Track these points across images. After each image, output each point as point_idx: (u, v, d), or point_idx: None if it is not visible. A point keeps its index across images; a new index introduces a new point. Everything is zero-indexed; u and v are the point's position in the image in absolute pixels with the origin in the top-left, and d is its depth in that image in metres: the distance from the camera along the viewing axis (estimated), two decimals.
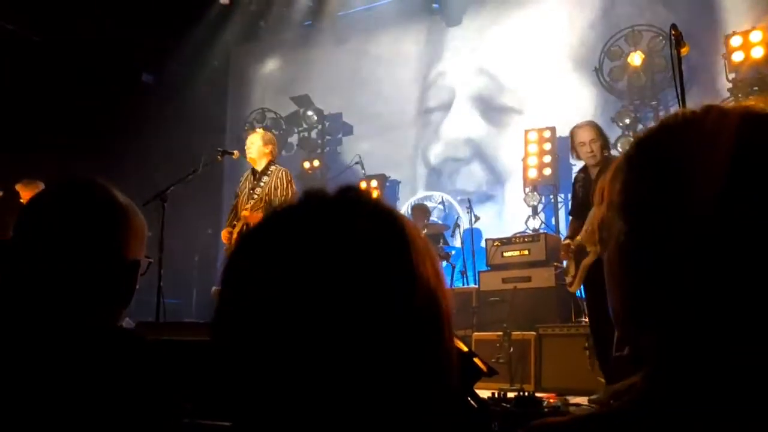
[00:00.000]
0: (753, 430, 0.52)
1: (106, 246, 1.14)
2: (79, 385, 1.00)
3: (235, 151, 5.48)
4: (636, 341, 0.63)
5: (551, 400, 3.54)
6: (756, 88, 6.30)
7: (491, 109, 8.27)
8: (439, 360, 0.58)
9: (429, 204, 8.29)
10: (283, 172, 4.97)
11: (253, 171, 5.01)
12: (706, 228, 0.54)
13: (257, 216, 4.64)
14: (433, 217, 8.05)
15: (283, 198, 4.80)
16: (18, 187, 5.87)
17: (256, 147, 4.94)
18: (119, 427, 1.01)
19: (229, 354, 0.57)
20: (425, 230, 6.71)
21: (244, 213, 4.73)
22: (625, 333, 0.65)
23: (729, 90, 6.47)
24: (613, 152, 6.91)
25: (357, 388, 0.54)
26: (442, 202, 8.38)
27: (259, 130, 5.38)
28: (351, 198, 0.60)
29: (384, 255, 0.56)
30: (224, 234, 4.90)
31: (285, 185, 4.88)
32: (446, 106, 8.60)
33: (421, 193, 8.60)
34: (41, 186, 5.56)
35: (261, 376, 0.55)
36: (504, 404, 2.80)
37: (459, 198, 8.15)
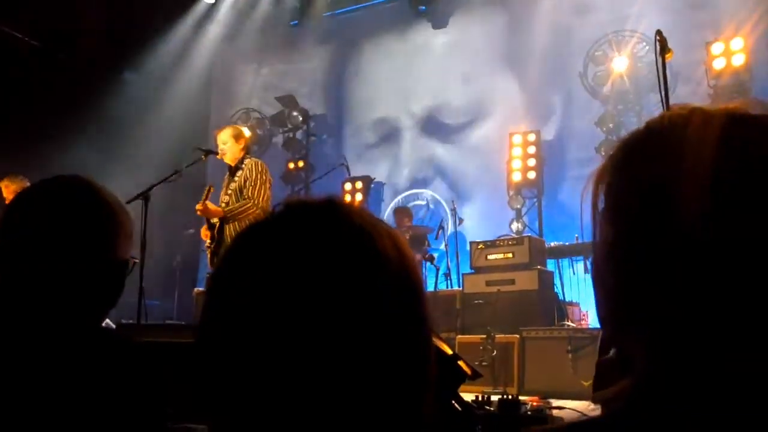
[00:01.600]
0: None
1: (95, 245, 1.12)
2: (65, 387, 0.99)
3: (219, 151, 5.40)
4: (624, 346, 0.63)
5: (534, 403, 3.55)
6: (736, 94, 6.39)
7: (476, 110, 8.30)
8: (412, 370, 0.60)
9: (416, 203, 8.29)
10: (254, 163, 4.70)
11: (229, 168, 4.80)
12: (694, 229, 0.54)
13: (214, 210, 4.46)
14: (420, 215, 8.06)
15: (252, 188, 4.56)
16: (2, 183, 5.77)
17: (229, 146, 4.68)
18: (106, 429, 0.99)
19: (211, 360, 0.59)
20: (409, 232, 6.70)
21: (198, 207, 4.43)
22: (612, 337, 0.65)
23: (710, 96, 6.56)
24: (597, 156, 6.98)
25: (337, 392, 0.55)
26: (427, 202, 8.39)
27: (227, 128, 4.96)
28: (327, 211, 0.62)
29: (349, 269, 0.58)
30: (203, 232, 4.79)
31: (254, 176, 4.60)
32: (432, 107, 8.62)
33: (407, 192, 8.61)
34: (25, 182, 5.46)
35: (234, 381, 0.57)
36: (487, 407, 2.80)
37: (444, 198, 8.19)
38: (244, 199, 4.56)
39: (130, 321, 4.51)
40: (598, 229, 0.65)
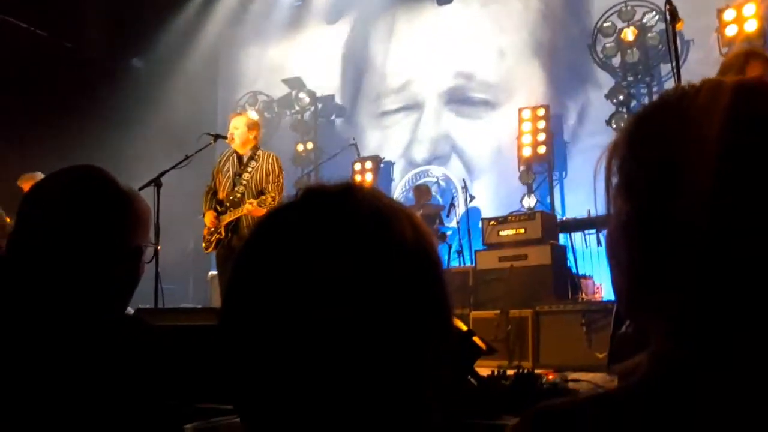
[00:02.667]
0: None
1: (110, 232, 1.13)
2: (87, 371, 1.00)
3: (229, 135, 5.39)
4: (639, 320, 0.63)
5: (550, 377, 3.57)
6: None
7: (485, 86, 8.23)
8: (432, 349, 0.61)
9: (427, 179, 8.28)
10: (273, 158, 4.78)
11: (238, 155, 4.81)
12: (703, 203, 0.54)
13: (261, 211, 4.44)
14: (431, 192, 8.05)
15: (275, 185, 4.66)
16: (20, 182, 5.83)
17: (239, 133, 4.70)
18: (129, 414, 1.01)
19: (232, 344, 0.61)
20: (421, 210, 6.70)
21: (248, 207, 4.50)
22: (627, 311, 0.65)
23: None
24: (608, 129, 6.92)
25: (357, 372, 0.57)
26: (437, 180, 8.37)
27: (243, 115, 5.06)
28: (345, 196, 0.63)
29: (367, 253, 0.59)
30: (210, 218, 4.72)
31: (277, 172, 4.72)
32: (439, 84, 8.55)
33: (417, 169, 8.59)
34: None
35: (266, 364, 0.58)
36: (504, 381, 2.82)
37: (454, 175, 8.17)
38: (269, 194, 4.61)
39: (147, 306, 4.57)
40: (611, 204, 0.65)
